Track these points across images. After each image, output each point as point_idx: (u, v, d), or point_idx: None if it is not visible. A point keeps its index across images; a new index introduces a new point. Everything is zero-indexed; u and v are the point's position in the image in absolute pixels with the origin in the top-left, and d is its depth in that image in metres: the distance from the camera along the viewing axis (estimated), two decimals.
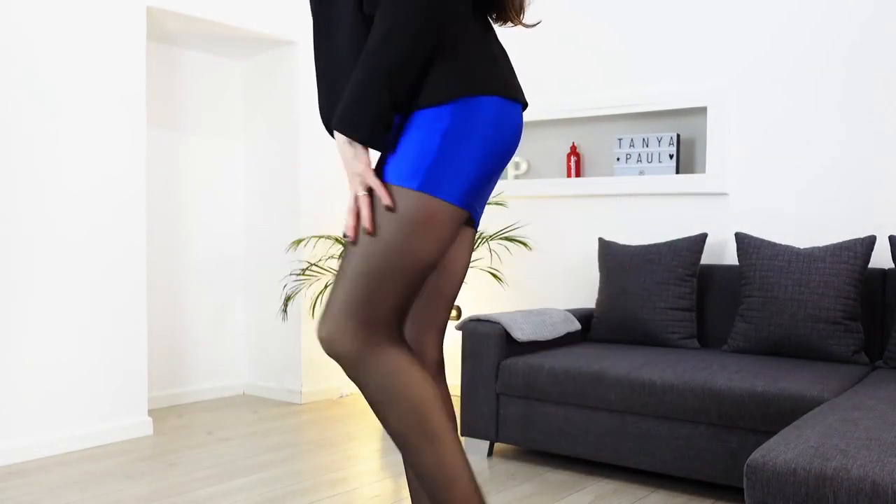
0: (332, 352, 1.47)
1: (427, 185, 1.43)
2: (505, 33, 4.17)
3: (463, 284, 1.56)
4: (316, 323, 1.56)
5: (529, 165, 4.21)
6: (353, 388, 4.38)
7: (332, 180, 4.28)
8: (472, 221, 1.65)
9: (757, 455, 1.67)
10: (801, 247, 3.30)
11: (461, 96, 1.45)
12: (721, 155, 3.50)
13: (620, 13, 3.83)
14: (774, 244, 3.12)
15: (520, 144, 4.25)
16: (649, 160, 3.69)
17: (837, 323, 2.90)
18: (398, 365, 1.45)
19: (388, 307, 1.45)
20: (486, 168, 1.51)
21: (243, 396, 4.32)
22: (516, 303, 4.16)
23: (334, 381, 4.32)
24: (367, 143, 1.39)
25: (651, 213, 3.74)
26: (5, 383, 3.01)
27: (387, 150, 1.46)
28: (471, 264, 4.24)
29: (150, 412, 3.87)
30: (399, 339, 1.48)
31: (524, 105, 1.59)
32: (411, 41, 1.39)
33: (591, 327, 3.51)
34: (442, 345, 1.69)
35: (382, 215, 1.43)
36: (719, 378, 2.62)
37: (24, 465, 2.99)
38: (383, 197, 1.42)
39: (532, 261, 4.11)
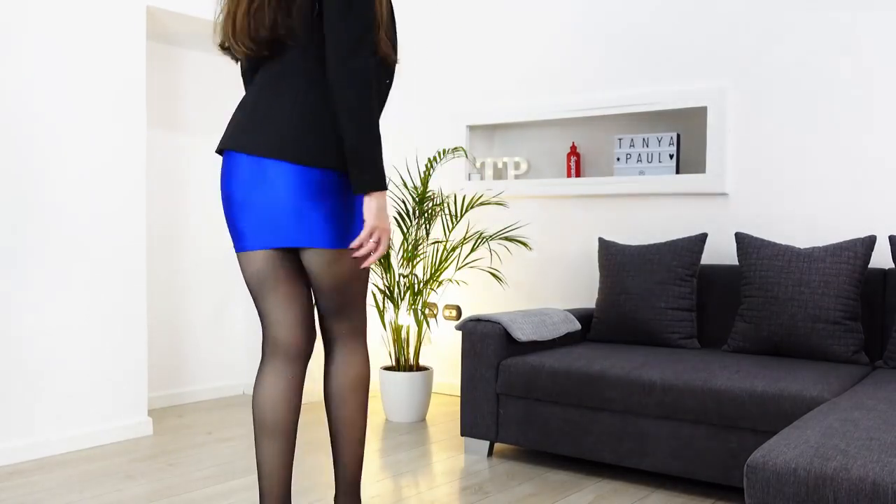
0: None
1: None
2: (503, 34, 4.18)
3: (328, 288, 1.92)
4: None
5: (529, 165, 4.21)
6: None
7: None
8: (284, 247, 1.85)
9: (757, 455, 1.67)
10: (801, 247, 3.30)
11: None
12: (721, 155, 3.50)
13: (620, 13, 3.83)
14: (774, 244, 3.12)
15: (520, 144, 4.26)
16: (649, 160, 3.69)
17: (837, 323, 2.90)
18: None
19: None
20: (226, 215, 1.87)
21: (243, 396, 4.32)
22: (516, 303, 4.16)
23: None
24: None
25: (651, 213, 3.74)
26: (5, 383, 3.01)
27: None
28: (471, 264, 4.25)
29: (150, 412, 3.87)
30: None
31: (229, 150, 1.82)
32: None
33: (591, 327, 3.50)
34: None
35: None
36: (719, 378, 2.62)
37: (24, 465, 2.99)
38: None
39: (532, 261, 4.11)
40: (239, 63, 1.96)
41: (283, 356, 1.86)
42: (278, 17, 1.76)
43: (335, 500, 1.98)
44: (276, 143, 1.75)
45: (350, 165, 1.72)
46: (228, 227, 1.87)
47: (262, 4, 1.77)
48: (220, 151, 1.87)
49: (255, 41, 1.79)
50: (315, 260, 1.82)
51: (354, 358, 1.95)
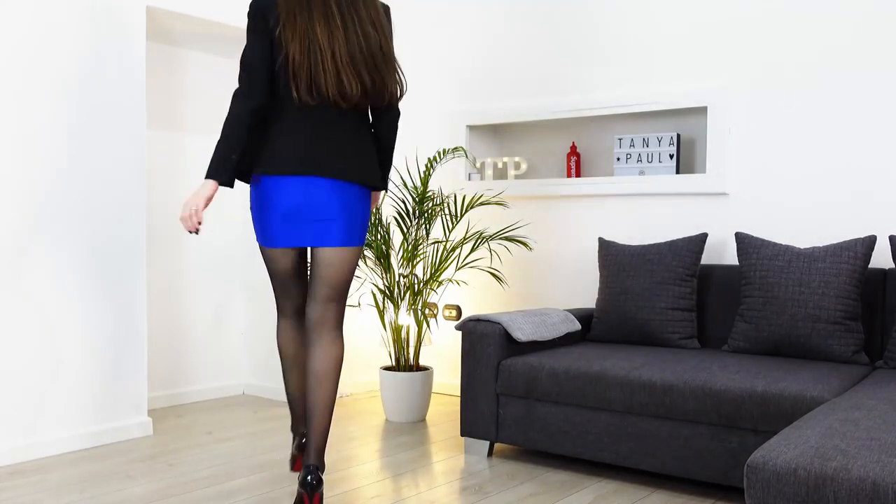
0: None
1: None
2: (502, 33, 4.18)
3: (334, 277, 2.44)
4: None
5: (529, 165, 4.21)
6: (352, 389, 4.38)
7: None
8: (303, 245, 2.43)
9: (757, 455, 1.67)
10: (801, 247, 3.30)
11: None
12: (721, 155, 3.50)
13: (620, 13, 3.83)
14: (774, 244, 3.12)
15: (520, 144, 4.27)
16: (649, 160, 3.69)
17: (837, 323, 2.90)
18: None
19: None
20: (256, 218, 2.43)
21: (243, 396, 4.32)
22: (516, 303, 4.16)
23: None
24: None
25: (651, 213, 3.74)
26: (5, 383, 3.01)
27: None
28: (471, 264, 4.25)
29: (150, 412, 3.87)
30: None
31: (310, 175, 2.33)
32: None
33: (591, 327, 3.50)
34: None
35: None
36: (719, 378, 2.62)
37: (24, 465, 2.99)
38: None
39: (532, 261, 4.11)
40: (290, 99, 2.31)
41: (295, 314, 2.56)
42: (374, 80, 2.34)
43: (305, 457, 2.36)
44: (360, 171, 2.37)
45: (383, 174, 2.54)
46: (272, 228, 2.35)
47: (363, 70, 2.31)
48: (274, 172, 2.32)
49: (358, 98, 2.33)
50: (343, 254, 2.40)
51: (340, 341, 2.46)
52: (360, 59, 2.26)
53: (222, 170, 2.27)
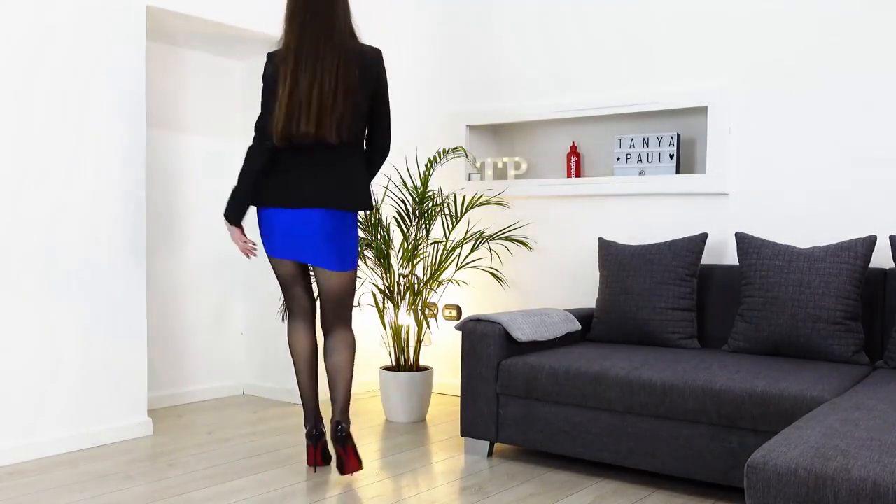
0: None
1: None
2: (504, 32, 4.18)
3: (337, 297, 2.80)
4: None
5: (529, 165, 4.21)
6: (353, 389, 4.38)
7: None
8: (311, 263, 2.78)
9: (757, 455, 1.67)
10: (802, 247, 3.30)
11: None
12: (721, 155, 3.50)
13: (621, 13, 3.83)
14: (774, 244, 3.12)
15: (520, 144, 4.27)
16: (649, 160, 3.69)
17: (838, 323, 2.90)
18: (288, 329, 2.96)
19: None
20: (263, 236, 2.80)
21: (243, 396, 4.32)
22: (516, 303, 4.16)
23: None
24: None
25: (651, 213, 3.74)
26: (5, 383, 3.00)
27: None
28: (471, 264, 4.25)
29: (150, 412, 3.87)
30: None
31: (304, 208, 2.70)
32: None
33: (591, 327, 3.50)
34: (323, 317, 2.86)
35: None
36: (719, 378, 2.62)
37: (24, 465, 2.99)
38: None
39: (532, 261, 4.11)
40: (273, 142, 2.67)
41: (302, 314, 2.90)
42: (353, 125, 2.67)
43: (333, 417, 2.77)
44: (340, 199, 2.69)
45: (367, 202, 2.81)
46: (273, 242, 2.74)
47: (343, 115, 2.61)
48: (266, 206, 2.73)
49: (330, 139, 2.63)
50: (339, 276, 2.76)
51: (350, 333, 2.87)
52: (304, 106, 2.59)
53: (239, 215, 2.78)
